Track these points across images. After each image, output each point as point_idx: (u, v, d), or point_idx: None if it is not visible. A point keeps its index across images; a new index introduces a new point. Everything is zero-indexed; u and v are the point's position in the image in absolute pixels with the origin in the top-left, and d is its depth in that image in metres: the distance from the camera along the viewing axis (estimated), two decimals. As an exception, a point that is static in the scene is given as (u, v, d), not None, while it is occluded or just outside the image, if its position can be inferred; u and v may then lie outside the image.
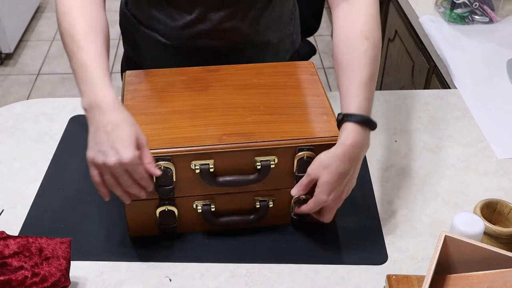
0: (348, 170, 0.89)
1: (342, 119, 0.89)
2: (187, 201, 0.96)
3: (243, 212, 0.98)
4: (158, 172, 0.87)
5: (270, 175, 0.94)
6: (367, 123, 0.89)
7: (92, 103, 0.87)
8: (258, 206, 0.97)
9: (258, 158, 0.92)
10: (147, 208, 0.96)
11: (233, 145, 0.91)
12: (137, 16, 1.20)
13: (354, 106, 0.89)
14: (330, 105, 1.00)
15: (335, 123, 0.94)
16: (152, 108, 0.99)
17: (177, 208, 0.96)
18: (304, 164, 0.93)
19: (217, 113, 0.98)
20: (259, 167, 0.92)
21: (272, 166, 0.93)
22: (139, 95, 1.03)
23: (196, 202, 0.96)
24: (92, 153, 0.86)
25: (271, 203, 0.98)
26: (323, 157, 0.90)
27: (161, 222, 0.97)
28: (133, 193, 0.88)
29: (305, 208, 0.95)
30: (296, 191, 0.94)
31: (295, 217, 1.00)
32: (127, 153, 0.83)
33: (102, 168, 0.85)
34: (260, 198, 0.97)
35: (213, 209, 0.96)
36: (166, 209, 0.96)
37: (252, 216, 0.98)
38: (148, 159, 0.86)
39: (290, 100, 1.01)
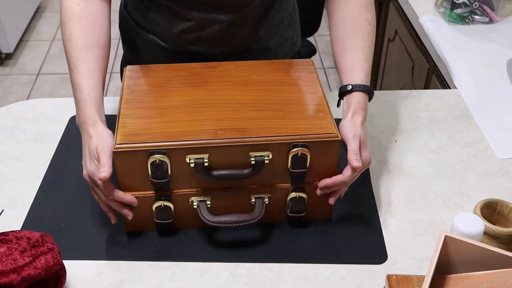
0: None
1: (352, 89, 1.01)
2: (183, 197, 0.97)
3: (239, 210, 0.98)
4: (103, 175, 0.88)
5: (265, 170, 0.94)
6: (370, 93, 1.03)
7: (79, 120, 0.97)
8: (253, 202, 0.97)
9: (252, 154, 0.93)
10: (143, 203, 0.96)
11: (228, 140, 0.92)
12: (136, 19, 1.19)
13: (361, 79, 1.02)
14: (327, 102, 1.00)
15: (330, 121, 0.96)
16: (150, 102, 1.00)
17: (173, 204, 0.97)
18: (299, 160, 0.94)
19: (214, 108, 0.98)
20: (253, 162, 0.93)
21: (266, 161, 0.93)
22: (138, 89, 1.04)
23: (192, 198, 0.97)
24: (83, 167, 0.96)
25: (267, 200, 0.98)
26: (352, 123, 0.97)
27: (158, 218, 0.98)
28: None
29: (349, 173, 0.94)
30: (358, 161, 0.93)
31: (291, 215, 1.01)
32: (87, 166, 0.93)
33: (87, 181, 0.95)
34: (256, 195, 0.97)
35: (209, 206, 0.97)
36: (162, 205, 0.96)
37: (249, 214, 0.97)
38: (101, 165, 0.90)
39: (287, 97, 1.02)
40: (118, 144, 0.91)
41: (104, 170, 0.88)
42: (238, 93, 1.02)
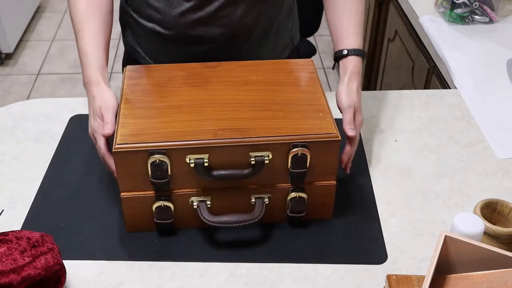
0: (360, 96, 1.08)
1: (347, 54, 1.09)
2: (183, 197, 0.96)
3: (239, 210, 0.98)
4: (107, 132, 0.95)
5: (265, 170, 0.94)
6: (364, 56, 1.11)
7: (84, 81, 1.05)
8: (253, 202, 0.97)
9: (252, 154, 0.93)
10: (143, 203, 0.96)
11: (228, 140, 0.92)
12: (136, 9, 1.20)
13: (356, 43, 1.11)
14: (326, 102, 1.00)
15: (330, 121, 0.96)
16: (150, 102, 1.00)
17: (173, 204, 0.97)
18: (299, 160, 0.94)
19: (214, 108, 0.98)
20: (253, 162, 0.93)
21: (266, 161, 0.93)
22: (138, 89, 1.04)
23: (192, 198, 0.97)
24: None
25: (267, 200, 0.98)
26: (347, 91, 1.06)
27: (158, 218, 0.97)
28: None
29: (352, 146, 1.05)
30: (352, 130, 1.02)
31: (291, 215, 1.01)
32: (91, 124, 1.00)
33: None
34: (256, 195, 0.97)
35: (209, 206, 0.97)
36: (162, 205, 0.96)
37: (248, 214, 0.97)
38: (105, 123, 0.96)
39: (287, 97, 1.02)
40: (118, 144, 0.91)
41: (107, 128, 0.95)
42: (238, 93, 1.02)
